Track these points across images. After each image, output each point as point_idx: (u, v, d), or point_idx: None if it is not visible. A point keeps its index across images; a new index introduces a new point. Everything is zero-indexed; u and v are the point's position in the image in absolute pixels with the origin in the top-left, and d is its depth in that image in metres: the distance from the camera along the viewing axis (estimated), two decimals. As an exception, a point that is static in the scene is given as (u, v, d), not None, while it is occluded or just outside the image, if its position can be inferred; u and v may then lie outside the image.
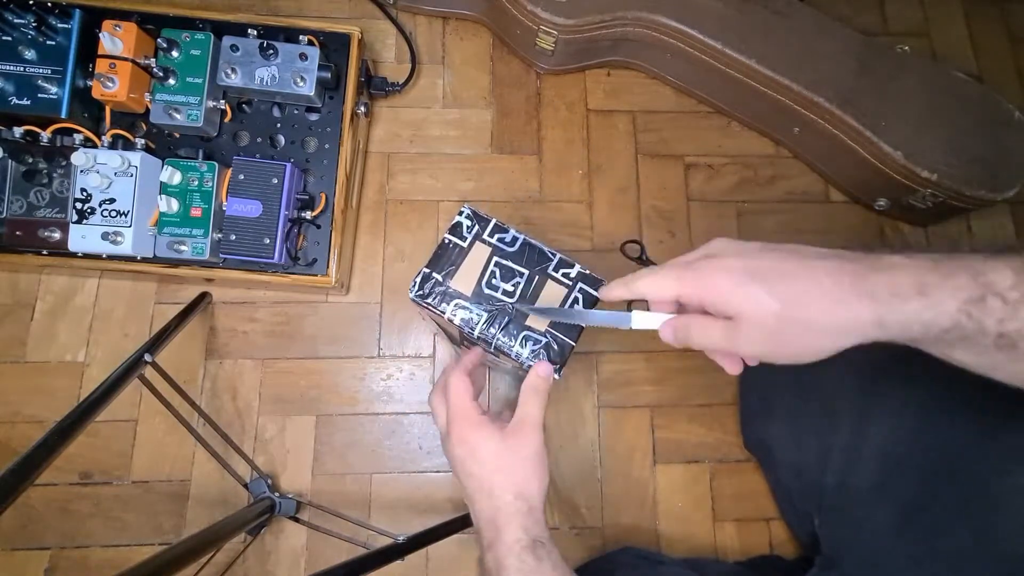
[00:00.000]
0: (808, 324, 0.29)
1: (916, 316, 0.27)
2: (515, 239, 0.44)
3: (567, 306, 0.43)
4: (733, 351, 0.32)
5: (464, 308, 0.43)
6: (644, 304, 0.37)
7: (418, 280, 0.43)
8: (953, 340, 0.27)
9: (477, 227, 0.44)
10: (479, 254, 0.44)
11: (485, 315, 0.42)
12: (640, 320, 0.37)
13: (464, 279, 0.43)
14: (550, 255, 0.44)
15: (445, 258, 0.43)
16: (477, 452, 0.39)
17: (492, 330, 0.42)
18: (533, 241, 0.44)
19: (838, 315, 0.28)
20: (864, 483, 0.50)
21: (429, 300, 0.43)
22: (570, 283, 0.43)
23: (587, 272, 0.43)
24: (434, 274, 0.43)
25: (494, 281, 0.43)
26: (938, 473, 0.46)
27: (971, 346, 0.27)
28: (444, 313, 0.42)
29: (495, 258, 0.43)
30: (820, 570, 0.54)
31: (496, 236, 0.44)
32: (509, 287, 0.43)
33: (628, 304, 0.54)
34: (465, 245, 0.44)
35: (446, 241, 0.44)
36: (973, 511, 0.43)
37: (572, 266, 0.44)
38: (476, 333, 0.42)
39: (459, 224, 0.44)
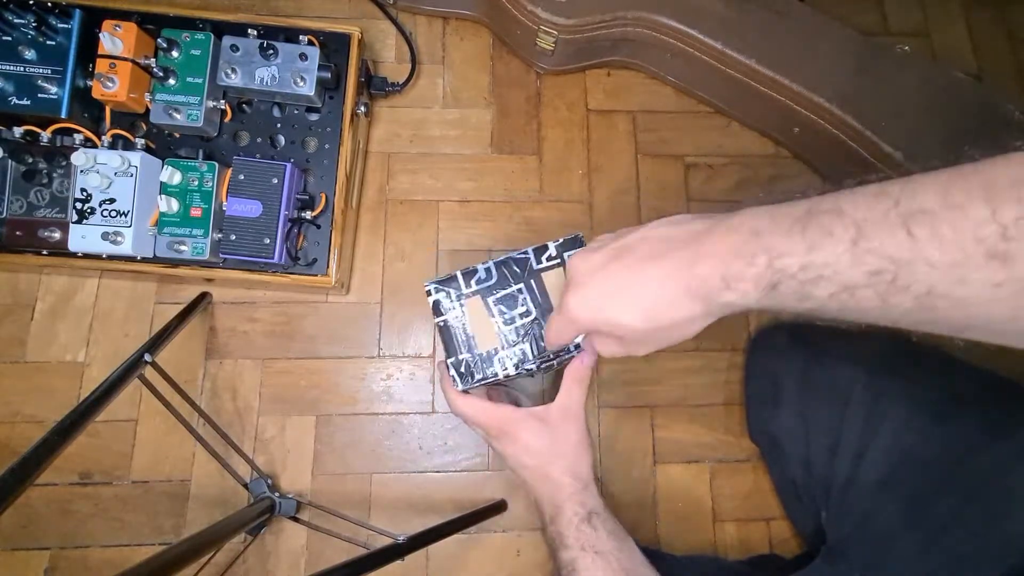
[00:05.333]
0: (668, 326, 0.31)
1: (731, 305, 0.29)
2: (488, 270, 0.44)
3: None
4: (633, 355, 0.36)
5: (509, 357, 0.43)
6: None
7: (456, 375, 0.43)
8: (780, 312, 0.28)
9: (452, 290, 0.44)
10: (475, 308, 0.43)
11: (525, 344, 0.43)
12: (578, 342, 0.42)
13: (485, 337, 0.43)
14: (523, 255, 0.44)
15: (454, 337, 0.43)
16: (530, 447, 0.43)
17: (541, 349, 0.43)
18: (500, 258, 0.44)
19: (680, 313, 0.30)
20: (873, 476, 0.50)
21: (480, 379, 0.43)
22: (558, 261, 0.44)
23: (561, 240, 0.44)
24: (461, 356, 0.43)
25: (507, 316, 0.43)
26: (947, 467, 0.46)
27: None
28: (499, 376, 0.43)
29: (488, 299, 0.43)
30: (824, 561, 0.54)
31: (473, 281, 0.44)
32: (521, 309, 0.43)
33: None
34: (459, 312, 0.43)
35: (442, 324, 0.43)
36: (981, 506, 0.44)
37: (546, 248, 0.44)
38: (534, 365, 0.43)
39: (437, 302, 0.44)
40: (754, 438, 0.68)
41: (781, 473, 0.66)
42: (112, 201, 0.56)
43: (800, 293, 0.26)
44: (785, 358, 0.61)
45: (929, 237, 0.21)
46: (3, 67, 0.56)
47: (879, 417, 0.51)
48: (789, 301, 0.26)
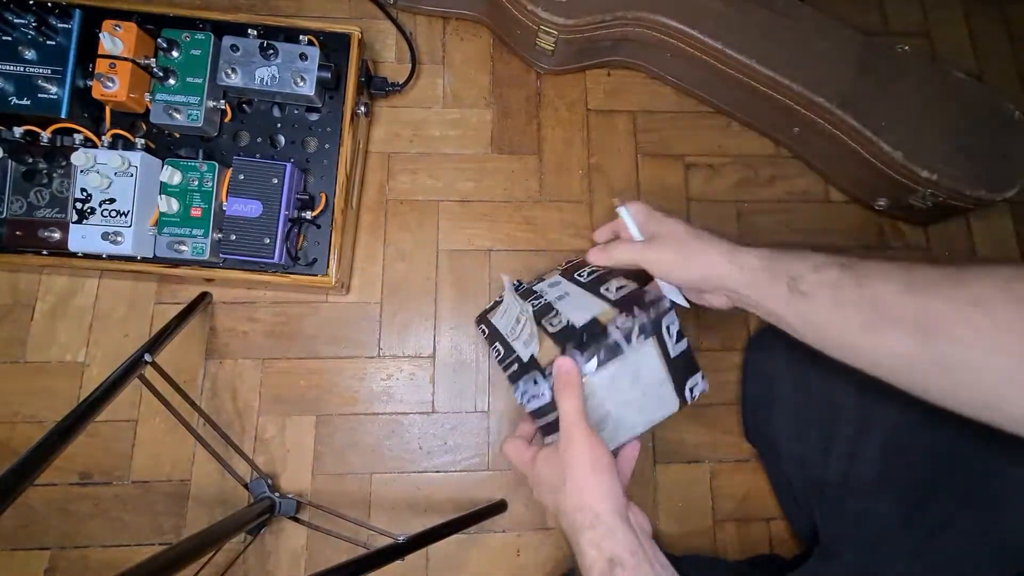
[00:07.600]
0: (698, 262, 0.42)
1: (741, 275, 0.40)
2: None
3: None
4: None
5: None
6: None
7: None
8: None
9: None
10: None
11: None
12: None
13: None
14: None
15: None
16: (540, 480, 0.41)
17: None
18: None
19: (711, 258, 0.41)
20: (866, 475, 0.50)
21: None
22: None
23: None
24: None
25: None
26: (941, 466, 0.46)
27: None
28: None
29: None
30: (818, 560, 0.54)
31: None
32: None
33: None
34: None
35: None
36: (976, 505, 0.44)
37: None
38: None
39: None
40: (750, 438, 0.68)
41: (777, 473, 0.66)
42: (112, 201, 0.56)
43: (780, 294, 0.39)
44: (781, 359, 0.61)
45: (814, 299, 0.36)
46: (3, 67, 0.56)
47: (872, 418, 0.51)
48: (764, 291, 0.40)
